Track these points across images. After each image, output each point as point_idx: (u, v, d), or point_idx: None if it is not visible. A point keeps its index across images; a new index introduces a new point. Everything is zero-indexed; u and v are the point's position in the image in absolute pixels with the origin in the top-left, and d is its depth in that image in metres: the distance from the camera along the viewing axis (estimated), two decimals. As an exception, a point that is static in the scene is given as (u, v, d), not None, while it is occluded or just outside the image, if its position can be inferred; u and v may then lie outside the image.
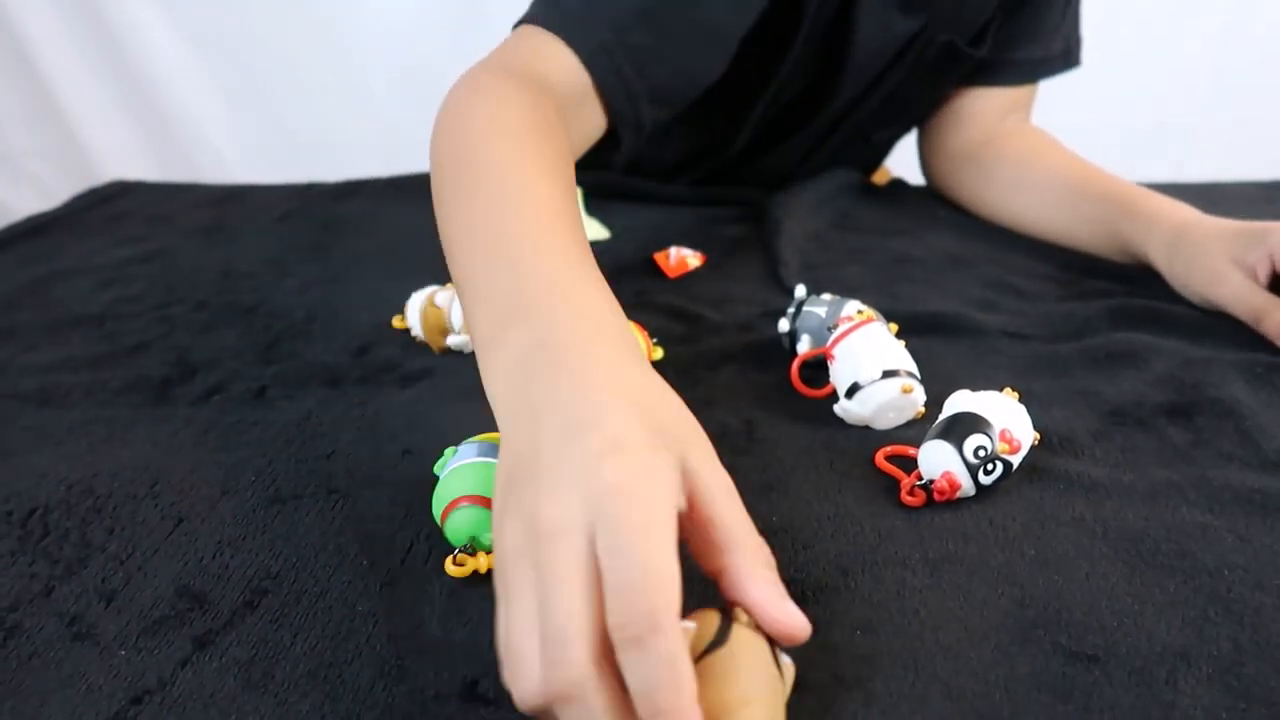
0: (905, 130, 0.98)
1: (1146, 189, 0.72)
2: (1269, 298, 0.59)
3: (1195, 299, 0.64)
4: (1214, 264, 0.62)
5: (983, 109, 0.89)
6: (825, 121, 0.86)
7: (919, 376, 0.50)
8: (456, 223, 0.47)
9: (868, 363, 0.50)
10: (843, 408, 0.50)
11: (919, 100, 0.90)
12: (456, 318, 0.57)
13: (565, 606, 0.28)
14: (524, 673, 0.28)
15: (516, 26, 0.63)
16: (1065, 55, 0.88)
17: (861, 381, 0.49)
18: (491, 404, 0.38)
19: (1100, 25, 0.97)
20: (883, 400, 0.49)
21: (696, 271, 0.73)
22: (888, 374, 0.49)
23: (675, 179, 0.95)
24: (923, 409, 0.51)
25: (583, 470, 0.30)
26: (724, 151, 0.88)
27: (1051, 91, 0.91)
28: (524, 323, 0.38)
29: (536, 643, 0.28)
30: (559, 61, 0.60)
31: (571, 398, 0.33)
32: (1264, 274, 0.59)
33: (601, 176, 0.90)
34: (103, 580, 0.40)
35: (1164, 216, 0.68)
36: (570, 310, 0.38)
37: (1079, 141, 0.85)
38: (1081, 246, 0.76)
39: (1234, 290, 0.60)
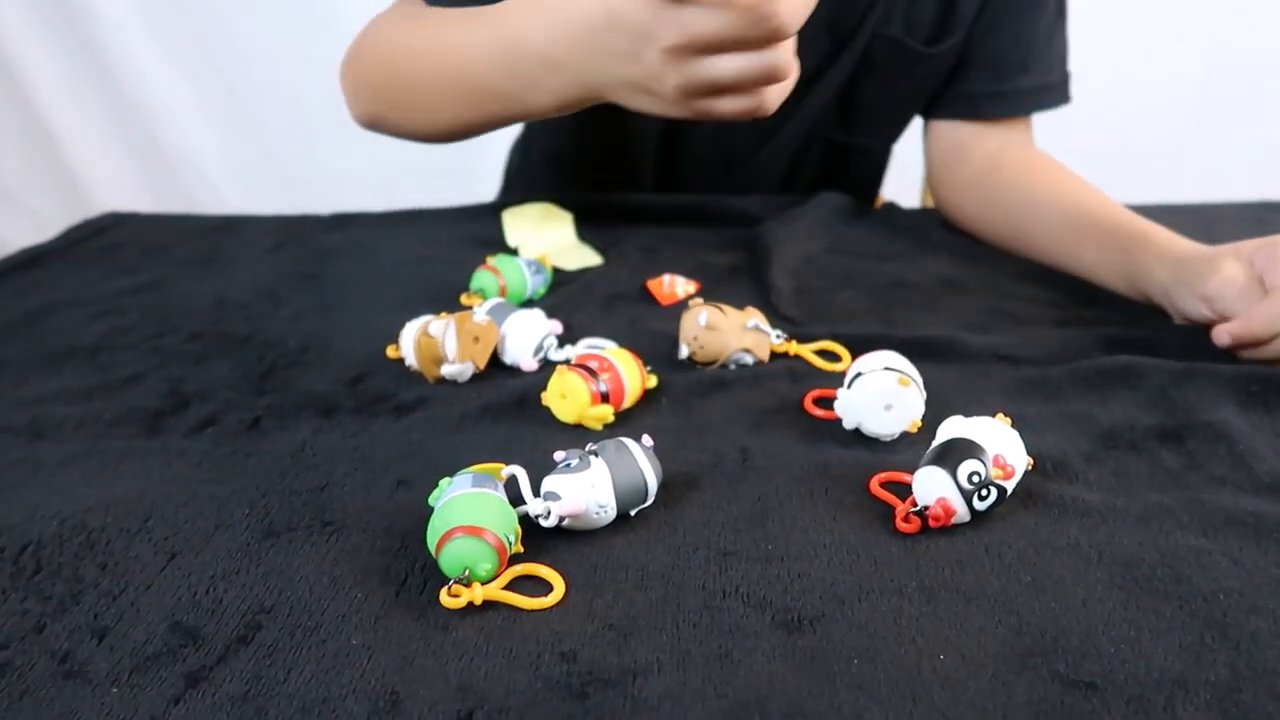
0: (879, 141, 0.98)
1: (1158, 225, 0.72)
2: (1259, 293, 0.58)
3: (1193, 303, 0.63)
4: (1217, 262, 0.61)
5: (980, 139, 0.90)
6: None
7: (921, 385, 0.51)
8: (467, 54, 0.68)
9: (872, 361, 0.52)
10: (842, 399, 0.52)
11: (881, 104, 0.91)
12: (450, 347, 0.57)
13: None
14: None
15: None
16: (1061, 87, 0.89)
17: (863, 371, 0.51)
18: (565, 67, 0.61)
19: (1087, 48, 0.99)
20: (878, 387, 0.50)
21: (689, 299, 0.73)
22: (889, 370, 0.51)
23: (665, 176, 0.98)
24: (919, 421, 0.51)
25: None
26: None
27: (1039, 114, 0.92)
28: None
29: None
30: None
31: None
32: (1273, 272, 0.57)
33: (591, 196, 0.92)
34: (95, 617, 0.39)
35: (1179, 244, 0.68)
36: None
37: (1068, 163, 0.86)
38: (1085, 273, 0.76)
39: (1227, 277, 0.59)
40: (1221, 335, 0.60)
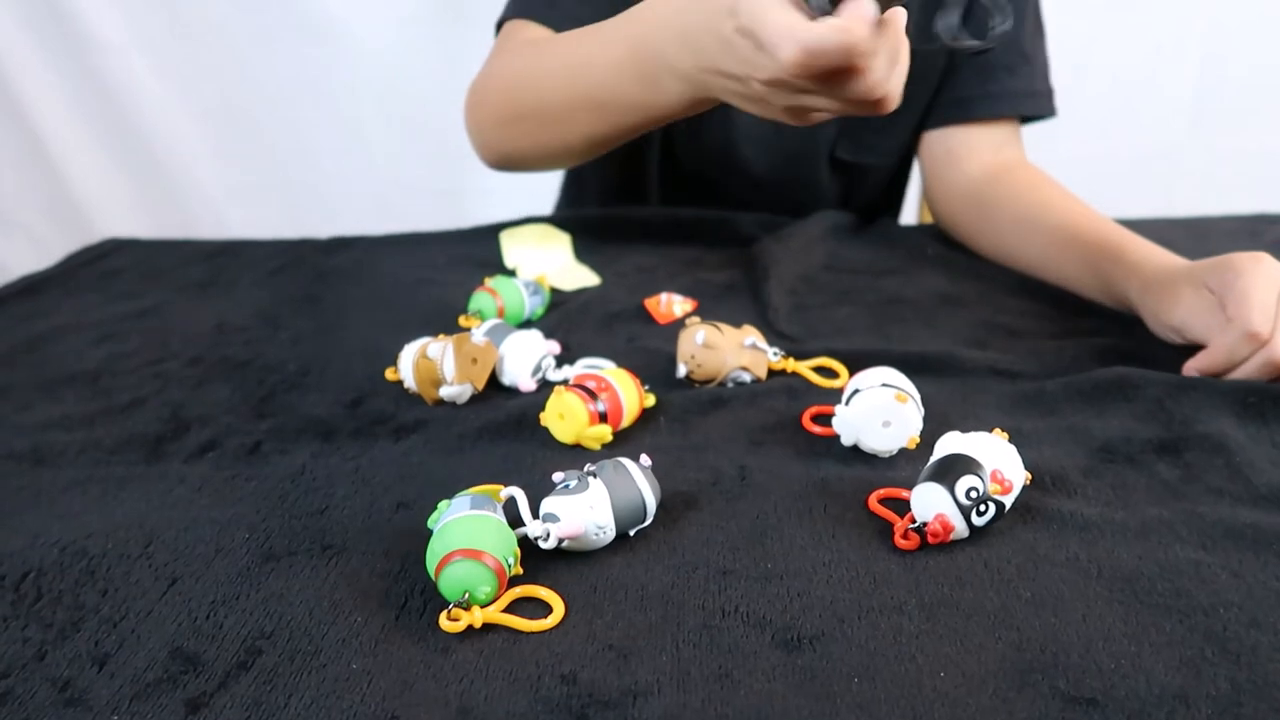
0: (882, 159, 0.99)
1: (1139, 237, 0.73)
2: (1222, 318, 0.59)
3: (1163, 330, 0.65)
4: (1177, 290, 0.63)
5: (972, 145, 0.91)
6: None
7: (918, 400, 0.51)
8: (596, 66, 0.70)
9: (870, 377, 0.53)
10: (840, 416, 0.52)
11: None
12: (449, 369, 0.57)
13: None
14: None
15: (498, 28, 0.87)
16: (1048, 96, 0.91)
17: (861, 388, 0.52)
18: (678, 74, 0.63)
19: (1083, 58, 0.99)
20: (876, 403, 0.50)
21: (686, 318, 0.73)
22: (886, 386, 0.51)
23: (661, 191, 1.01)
24: (917, 437, 0.51)
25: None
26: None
27: (1035, 125, 0.93)
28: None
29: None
30: (529, 30, 0.83)
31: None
32: (1229, 300, 0.58)
33: (588, 212, 0.94)
34: (95, 644, 0.39)
35: (1149, 260, 0.69)
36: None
37: (1063, 175, 0.86)
38: (1071, 287, 0.77)
39: (1189, 307, 0.61)
40: (1190, 371, 0.61)
